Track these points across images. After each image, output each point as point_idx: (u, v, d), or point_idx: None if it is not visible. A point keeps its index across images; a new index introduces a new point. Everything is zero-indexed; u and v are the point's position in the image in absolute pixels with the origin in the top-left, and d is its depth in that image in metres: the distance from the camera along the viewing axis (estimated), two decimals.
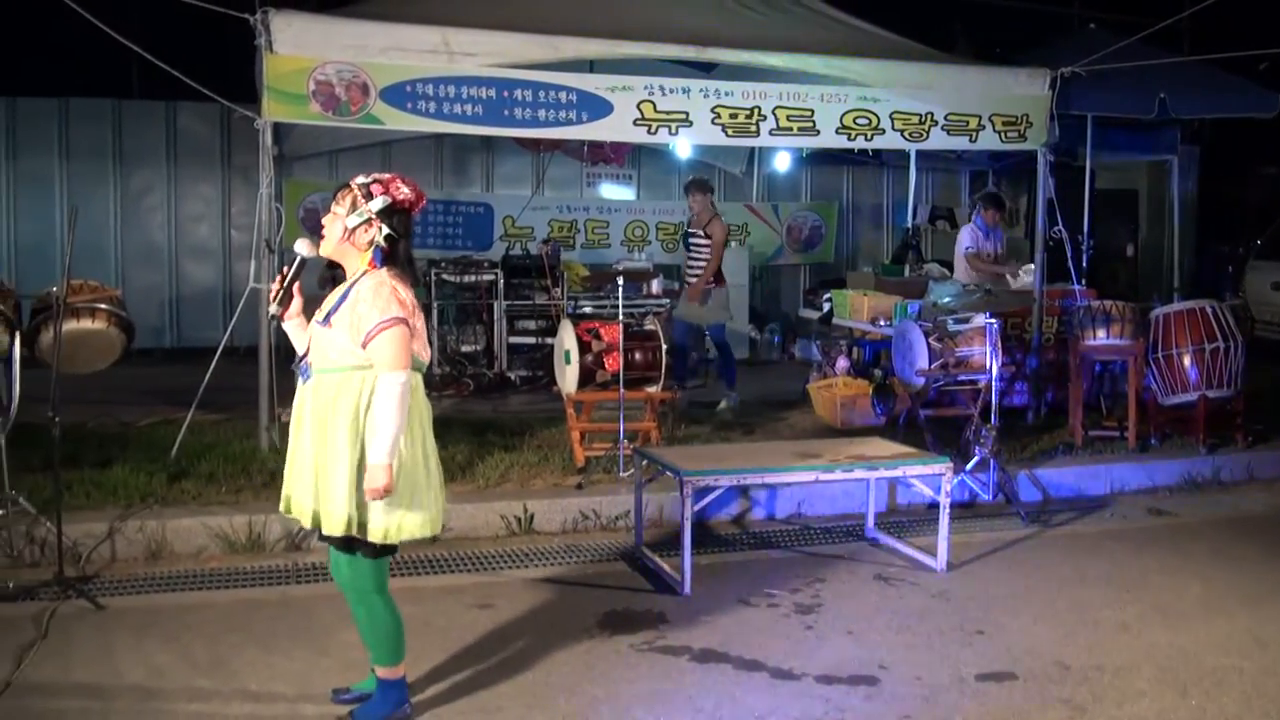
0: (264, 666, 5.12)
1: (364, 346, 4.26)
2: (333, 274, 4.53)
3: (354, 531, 4.30)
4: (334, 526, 4.30)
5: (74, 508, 6.77)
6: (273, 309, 4.54)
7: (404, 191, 4.42)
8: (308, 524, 4.42)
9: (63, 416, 6.20)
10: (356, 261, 4.41)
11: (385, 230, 4.37)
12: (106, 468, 7.57)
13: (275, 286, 4.53)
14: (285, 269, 4.53)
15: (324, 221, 4.44)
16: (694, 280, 10.77)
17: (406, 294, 4.38)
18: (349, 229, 4.36)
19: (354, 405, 4.28)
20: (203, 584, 6.30)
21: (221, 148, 14.41)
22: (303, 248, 4.52)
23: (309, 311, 4.58)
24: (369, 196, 4.36)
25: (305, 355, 4.44)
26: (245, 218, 12.63)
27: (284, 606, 5.91)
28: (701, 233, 10.73)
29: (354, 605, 4.49)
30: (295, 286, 4.52)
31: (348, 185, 4.44)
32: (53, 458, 6.27)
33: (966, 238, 11.06)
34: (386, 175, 4.47)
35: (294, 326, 4.60)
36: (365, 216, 4.35)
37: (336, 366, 4.30)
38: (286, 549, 6.83)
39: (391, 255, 4.40)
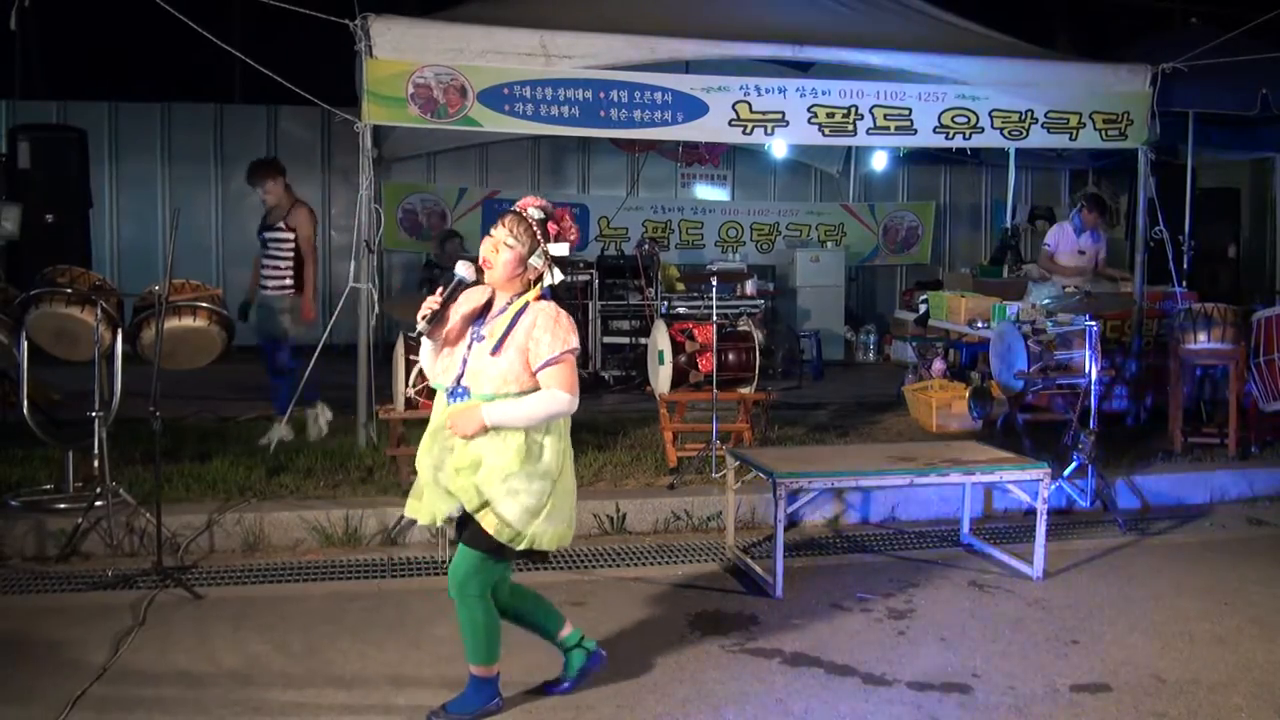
0: (357, 657, 5.18)
1: (536, 371, 4.31)
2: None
3: (503, 538, 4.33)
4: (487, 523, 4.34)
5: (173, 500, 6.92)
6: (421, 326, 4.39)
7: (574, 234, 4.45)
8: (453, 511, 4.45)
9: (163, 411, 6.33)
10: (517, 289, 4.41)
11: (557, 272, 4.38)
12: (206, 462, 7.73)
13: (430, 305, 4.39)
14: (442, 288, 4.45)
15: (484, 251, 4.39)
16: (270, 286, 8.72)
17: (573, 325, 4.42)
18: (532, 268, 4.35)
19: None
20: (299, 576, 6.40)
21: (322, 150, 14.65)
22: (464, 269, 4.44)
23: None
24: (547, 238, 4.36)
25: (461, 377, 4.39)
26: (345, 219, 12.80)
27: (378, 599, 5.98)
28: (282, 225, 8.68)
29: (458, 607, 4.51)
30: (449, 308, 4.46)
31: (516, 213, 4.38)
32: (153, 451, 6.43)
33: (1050, 235, 11.00)
34: (554, 211, 4.45)
35: (432, 346, 4.52)
36: (547, 260, 4.36)
37: (498, 394, 4.31)
38: (382, 543, 6.92)
39: (553, 289, 4.44)
